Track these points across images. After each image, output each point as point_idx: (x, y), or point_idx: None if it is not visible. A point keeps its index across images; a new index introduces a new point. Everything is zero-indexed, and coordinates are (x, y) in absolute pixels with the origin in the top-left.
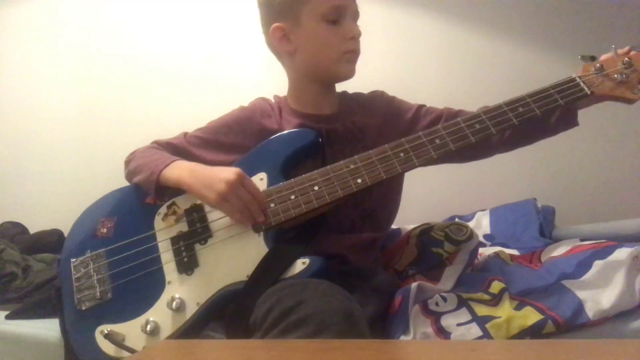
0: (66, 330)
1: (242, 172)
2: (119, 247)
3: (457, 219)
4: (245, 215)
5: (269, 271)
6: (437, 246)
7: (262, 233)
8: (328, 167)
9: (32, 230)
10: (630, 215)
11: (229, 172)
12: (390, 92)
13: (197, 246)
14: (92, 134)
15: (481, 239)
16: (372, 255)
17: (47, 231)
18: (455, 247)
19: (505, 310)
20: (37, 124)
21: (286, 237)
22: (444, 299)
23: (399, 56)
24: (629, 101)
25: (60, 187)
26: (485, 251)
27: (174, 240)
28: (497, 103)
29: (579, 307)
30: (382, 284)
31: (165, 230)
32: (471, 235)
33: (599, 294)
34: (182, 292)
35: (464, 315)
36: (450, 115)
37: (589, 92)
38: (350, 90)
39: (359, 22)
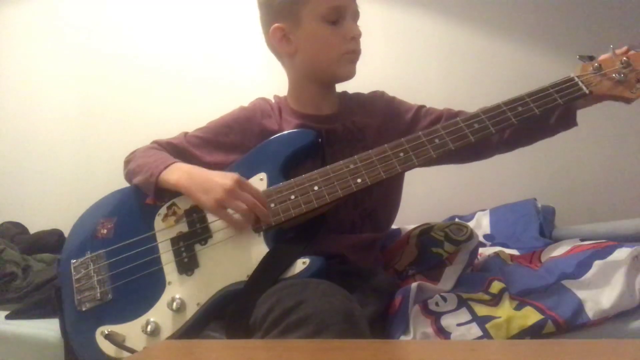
0: (66, 330)
1: (240, 177)
2: (119, 248)
3: (457, 219)
4: (246, 218)
5: (269, 271)
6: (437, 246)
7: (262, 233)
8: (328, 167)
9: (32, 230)
10: (630, 215)
11: (226, 178)
12: (391, 92)
13: (197, 247)
14: (92, 134)
15: (481, 239)
16: (372, 255)
17: (47, 231)
18: (455, 247)
19: (505, 310)
20: (37, 124)
21: (286, 237)
22: (444, 299)
23: (399, 56)
24: (628, 100)
25: (60, 187)
26: (485, 251)
27: (174, 241)
28: (496, 103)
29: (579, 307)
30: (382, 284)
31: (165, 231)
32: (471, 235)
33: (599, 294)
34: (183, 293)
35: (464, 315)
36: (450, 116)
37: (587, 92)
38: (350, 91)
39: (359, 22)
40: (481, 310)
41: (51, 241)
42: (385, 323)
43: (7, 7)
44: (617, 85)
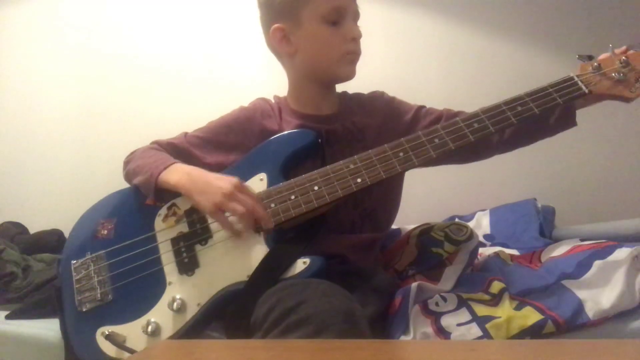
0: (66, 331)
1: (240, 181)
2: (119, 248)
3: (457, 219)
4: (244, 223)
5: (269, 271)
6: (437, 246)
7: (262, 233)
8: (328, 167)
9: (32, 230)
10: (630, 215)
11: (226, 182)
12: (391, 92)
13: (198, 247)
14: (92, 134)
15: (481, 239)
16: (372, 256)
17: (47, 231)
18: (455, 247)
19: (505, 310)
20: (37, 124)
21: (286, 237)
22: (444, 299)
23: (399, 56)
24: (627, 99)
25: (60, 187)
26: (485, 251)
27: (175, 241)
28: (495, 102)
29: (579, 307)
30: (382, 284)
31: (165, 231)
32: (471, 235)
33: (599, 294)
34: (183, 293)
35: (464, 315)
36: (449, 116)
37: (586, 91)
38: (350, 91)
39: (359, 23)
40: (481, 310)
41: (51, 241)
42: (385, 323)
43: (7, 7)
44: (616, 85)
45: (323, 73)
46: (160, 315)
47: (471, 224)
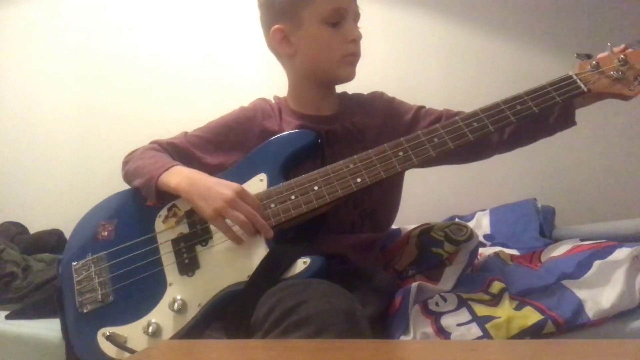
0: (67, 332)
1: (241, 187)
2: (120, 249)
3: (457, 219)
4: (244, 230)
5: (269, 271)
6: (437, 246)
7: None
8: (328, 167)
9: (32, 230)
10: (630, 215)
11: (227, 188)
12: (390, 92)
13: (198, 247)
14: (92, 134)
15: (481, 239)
16: (372, 256)
17: (47, 231)
18: (455, 247)
19: (505, 310)
20: (37, 124)
21: (286, 237)
22: (444, 299)
23: (399, 56)
24: (626, 98)
25: (60, 187)
26: (485, 251)
27: (175, 242)
28: (494, 101)
29: (579, 307)
30: (382, 284)
31: (166, 232)
32: (471, 235)
33: (599, 294)
34: (184, 294)
35: (464, 315)
36: (449, 116)
37: (585, 89)
38: (350, 91)
39: (360, 23)
40: (481, 310)
41: (51, 241)
42: (385, 323)
43: (7, 7)
44: (615, 83)
45: (323, 74)
46: (161, 315)
47: (471, 224)
